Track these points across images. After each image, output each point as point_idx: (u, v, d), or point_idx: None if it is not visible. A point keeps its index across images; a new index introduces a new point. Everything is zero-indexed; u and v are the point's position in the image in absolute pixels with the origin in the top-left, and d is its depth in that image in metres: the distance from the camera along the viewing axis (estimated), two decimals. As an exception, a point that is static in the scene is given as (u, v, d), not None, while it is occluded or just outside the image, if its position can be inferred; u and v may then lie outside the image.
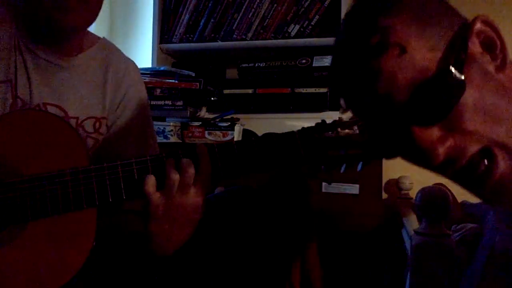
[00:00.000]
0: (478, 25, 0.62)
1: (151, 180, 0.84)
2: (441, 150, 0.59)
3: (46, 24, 0.99)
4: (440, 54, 0.60)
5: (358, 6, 0.67)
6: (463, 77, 0.58)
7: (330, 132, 0.87)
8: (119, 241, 1.04)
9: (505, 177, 0.60)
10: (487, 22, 0.63)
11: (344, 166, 0.87)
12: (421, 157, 0.60)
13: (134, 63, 1.19)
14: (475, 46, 0.62)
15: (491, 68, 0.62)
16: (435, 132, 0.59)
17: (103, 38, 1.16)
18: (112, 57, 1.13)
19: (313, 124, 0.89)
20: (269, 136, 0.87)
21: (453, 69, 0.58)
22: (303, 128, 0.88)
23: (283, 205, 1.32)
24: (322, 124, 0.88)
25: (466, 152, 0.59)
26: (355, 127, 0.87)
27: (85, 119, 1.06)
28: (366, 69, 0.60)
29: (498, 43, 0.62)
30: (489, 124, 0.59)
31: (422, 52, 0.60)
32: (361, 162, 0.87)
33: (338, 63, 0.67)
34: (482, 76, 0.60)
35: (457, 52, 0.60)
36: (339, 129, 0.88)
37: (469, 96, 0.58)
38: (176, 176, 0.84)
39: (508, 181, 0.60)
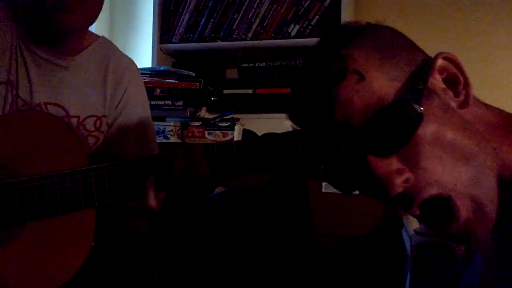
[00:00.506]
0: (440, 61, 0.61)
1: (152, 194, 0.84)
2: (398, 181, 0.57)
3: (47, 25, 0.99)
4: (400, 85, 0.59)
5: (322, 41, 0.67)
6: (421, 109, 0.57)
7: None
8: (123, 241, 1.04)
9: (469, 221, 0.58)
10: (449, 59, 0.62)
11: None
12: (377, 188, 0.58)
13: (132, 61, 1.19)
14: (437, 81, 0.61)
15: (454, 104, 0.61)
16: (392, 164, 0.58)
17: (102, 36, 1.16)
18: (111, 55, 1.13)
19: None
20: (268, 135, 0.86)
21: (410, 99, 0.57)
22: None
23: (282, 205, 1.32)
24: None
25: (421, 193, 0.58)
26: None
27: (86, 118, 1.06)
28: (325, 96, 0.60)
29: (461, 79, 0.61)
30: (450, 164, 0.58)
31: (381, 81, 0.59)
32: None
33: (298, 93, 0.66)
34: (444, 112, 0.59)
35: (416, 84, 0.59)
36: None
37: (428, 131, 0.57)
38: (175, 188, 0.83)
39: (473, 225, 0.58)
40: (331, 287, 1.68)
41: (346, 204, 1.71)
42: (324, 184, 1.75)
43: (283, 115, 2.20)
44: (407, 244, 1.39)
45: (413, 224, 1.40)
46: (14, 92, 0.99)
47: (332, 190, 1.72)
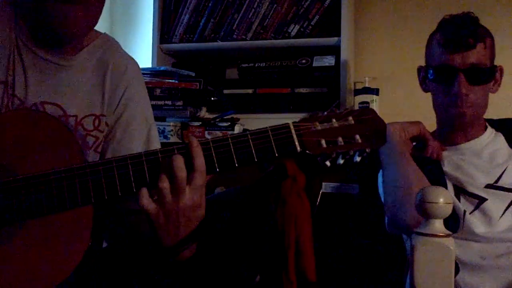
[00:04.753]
0: None
1: (144, 193, 0.84)
2: None
3: (49, 33, 0.98)
4: None
5: None
6: None
7: (325, 124, 0.86)
8: (131, 241, 1.04)
9: None
10: None
11: (340, 157, 0.86)
12: None
13: (134, 60, 1.18)
14: None
15: None
16: None
17: (104, 33, 1.15)
18: (113, 53, 1.12)
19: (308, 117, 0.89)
20: (263, 129, 0.86)
21: None
22: (298, 120, 0.88)
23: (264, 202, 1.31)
24: (317, 115, 0.88)
25: None
26: (350, 118, 0.86)
27: (84, 117, 1.05)
28: None
29: None
30: None
31: None
32: (357, 153, 0.86)
33: None
34: None
35: None
36: (334, 120, 0.87)
37: None
38: (165, 185, 0.83)
39: None
40: (331, 287, 1.68)
41: (346, 204, 1.71)
42: (324, 184, 1.75)
43: (283, 115, 2.20)
44: (407, 244, 1.39)
45: (413, 224, 1.40)
46: (9, 92, 0.98)
47: (332, 190, 1.73)
